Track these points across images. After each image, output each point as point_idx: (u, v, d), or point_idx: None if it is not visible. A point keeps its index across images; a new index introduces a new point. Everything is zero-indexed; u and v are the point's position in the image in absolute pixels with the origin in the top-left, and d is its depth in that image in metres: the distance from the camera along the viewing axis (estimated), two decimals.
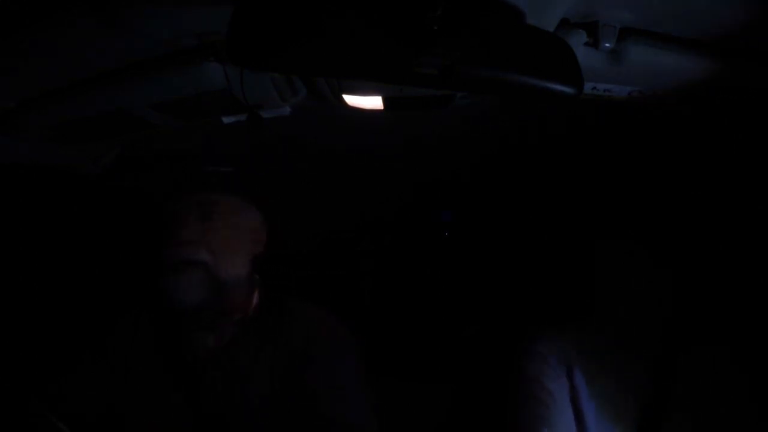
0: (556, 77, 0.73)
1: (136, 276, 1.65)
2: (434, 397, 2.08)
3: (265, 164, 1.52)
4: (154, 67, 0.97)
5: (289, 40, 0.67)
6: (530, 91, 0.74)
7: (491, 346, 2.16)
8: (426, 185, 2.09)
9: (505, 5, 0.75)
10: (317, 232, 2.32)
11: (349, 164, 1.73)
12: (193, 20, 0.85)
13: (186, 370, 1.16)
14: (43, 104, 1.09)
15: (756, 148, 1.21)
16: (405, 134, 1.50)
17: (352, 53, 0.69)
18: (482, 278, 2.47)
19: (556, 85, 0.73)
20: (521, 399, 1.22)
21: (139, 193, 1.66)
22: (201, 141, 1.45)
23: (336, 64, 0.71)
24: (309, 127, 1.34)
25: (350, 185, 1.96)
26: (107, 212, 1.78)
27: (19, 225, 1.67)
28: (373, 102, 1.11)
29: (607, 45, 0.87)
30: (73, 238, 1.79)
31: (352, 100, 1.10)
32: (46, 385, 1.17)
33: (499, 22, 0.74)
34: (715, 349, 1.20)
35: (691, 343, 1.20)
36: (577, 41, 0.86)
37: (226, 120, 1.18)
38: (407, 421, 1.81)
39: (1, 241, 1.63)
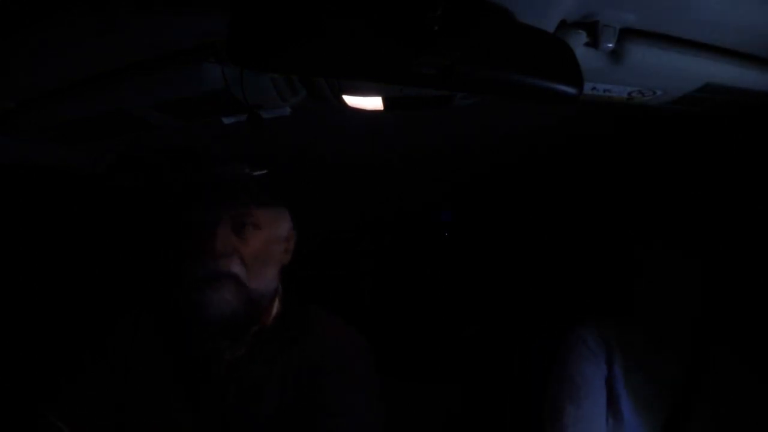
0: (556, 77, 0.73)
1: (139, 277, 1.65)
2: (434, 397, 2.08)
3: (264, 165, 1.51)
4: (154, 67, 0.97)
5: (289, 40, 0.67)
6: (530, 91, 0.74)
7: (491, 345, 2.16)
8: (426, 185, 2.09)
9: (505, 6, 0.75)
10: (317, 232, 2.32)
11: (349, 164, 1.73)
12: (192, 20, 0.85)
13: (198, 381, 1.13)
14: (43, 104, 1.08)
15: (756, 149, 1.21)
16: (405, 134, 1.50)
17: (352, 53, 0.69)
18: (482, 278, 2.47)
19: (556, 86, 0.73)
20: (554, 376, 1.26)
21: (139, 193, 1.65)
22: (200, 142, 1.45)
23: (336, 64, 0.71)
24: (309, 127, 1.34)
25: (350, 185, 1.95)
26: (107, 212, 1.78)
27: (19, 225, 1.67)
28: (373, 102, 1.11)
29: (607, 45, 0.86)
30: (73, 238, 1.79)
31: (352, 100, 1.10)
32: (46, 386, 1.16)
33: (499, 22, 0.74)
34: (742, 350, 1.21)
35: (718, 342, 1.21)
36: (577, 41, 0.86)
37: (226, 120, 1.18)
38: (407, 421, 1.80)
39: (1, 241, 1.63)
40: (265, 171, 1.21)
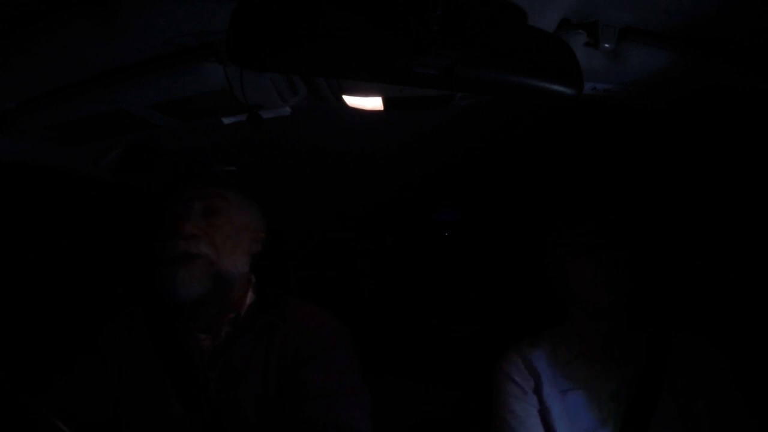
0: (556, 77, 0.73)
1: (133, 274, 1.65)
2: (434, 396, 2.08)
3: (264, 164, 1.51)
4: (154, 67, 0.97)
5: (289, 40, 0.67)
6: (530, 91, 0.74)
7: (489, 345, 2.16)
8: (426, 185, 2.09)
9: (506, 5, 0.75)
10: (317, 232, 2.32)
11: (349, 164, 1.73)
12: (193, 20, 0.85)
13: (183, 372, 1.16)
14: (43, 104, 1.09)
15: (755, 148, 1.21)
16: (405, 134, 1.50)
17: (352, 53, 0.69)
18: (481, 278, 2.47)
19: (556, 86, 0.73)
20: (493, 419, 1.27)
21: (140, 192, 1.66)
22: (201, 141, 1.44)
23: (336, 64, 0.71)
24: (309, 127, 1.34)
25: (350, 185, 1.95)
26: (107, 212, 1.78)
27: (19, 225, 1.67)
28: (373, 102, 1.11)
29: (607, 45, 0.87)
30: (73, 238, 1.79)
31: (352, 100, 1.10)
32: (43, 386, 1.17)
33: (499, 22, 0.74)
34: (697, 341, 1.20)
35: (670, 341, 1.20)
36: (577, 41, 0.86)
37: (226, 120, 1.18)
38: (407, 420, 1.81)
39: (0, 241, 1.63)
40: (235, 167, 1.24)
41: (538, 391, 1.23)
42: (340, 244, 2.61)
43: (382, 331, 2.39)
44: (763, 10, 0.82)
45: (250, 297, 1.23)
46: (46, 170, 1.41)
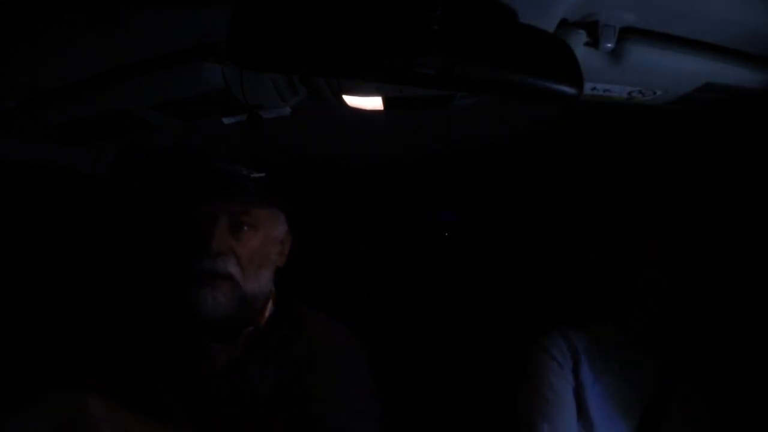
0: (556, 78, 0.73)
1: (139, 276, 1.65)
2: (434, 396, 2.08)
3: (264, 164, 1.51)
4: (154, 67, 0.97)
5: (289, 40, 0.67)
6: (530, 91, 0.73)
7: (490, 345, 2.16)
8: (426, 186, 2.09)
9: (506, 5, 0.75)
10: (317, 232, 2.32)
11: (350, 164, 1.73)
12: (192, 20, 0.85)
13: (194, 383, 1.13)
14: (43, 104, 1.09)
15: (756, 149, 1.21)
16: (405, 134, 1.50)
17: (351, 53, 0.69)
18: (481, 277, 2.47)
19: (556, 86, 0.73)
20: (523, 391, 1.25)
21: (141, 193, 1.66)
22: (200, 141, 1.45)
23: (336, 64, 0.71)
24: (309, 128, 1.34)
25: (351, 185, 1.95)
26: (108, 212, 1.78)
27: (20, 225, 1.67)
28: (373, 102, 1.11)
29: (607, 45, 0.86)
30: (73, 238, 1.79)
31: (352, 100, 1.10)
32: (43, 386, 1.16)
33: (500, 22, 0.74)
34: (720, 353, 1.21)
35: (698, 345, 1.21)
36: (577, 41, 0.86)
37: (226, 120, 1.18)
38: (407, 420, 1.80)
39: (1, 241, 1.63)
40: (263, 173, 1.22)
41: (575, 371, 1.23)
42: (340, 244, 2.61)
43: (382, 331, 2.38)
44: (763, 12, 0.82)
45: (269, 309, 1.20)
46: (46, 170, 1.41)
